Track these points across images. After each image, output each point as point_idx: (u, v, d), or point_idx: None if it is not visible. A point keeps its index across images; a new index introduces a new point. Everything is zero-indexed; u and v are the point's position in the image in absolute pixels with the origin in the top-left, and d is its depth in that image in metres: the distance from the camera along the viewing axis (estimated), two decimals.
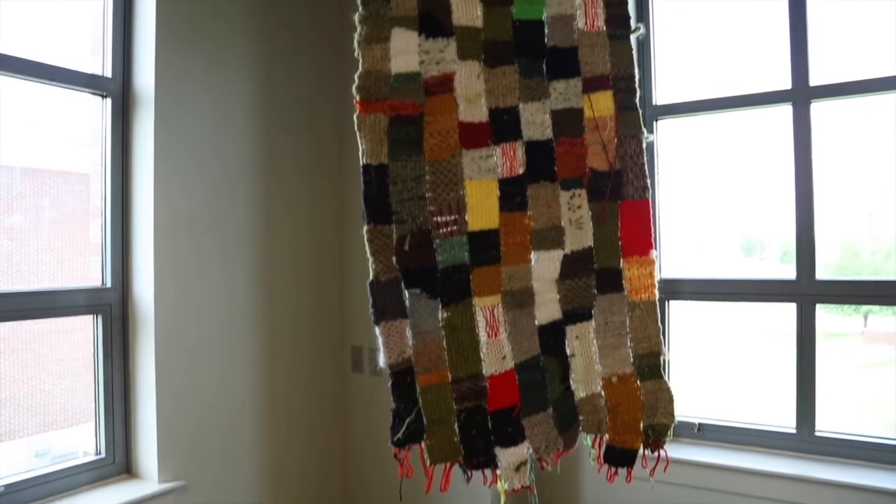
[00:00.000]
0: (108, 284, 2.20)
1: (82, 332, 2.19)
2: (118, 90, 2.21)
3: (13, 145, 2.08)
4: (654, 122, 2.56)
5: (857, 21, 2.35)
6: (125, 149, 2.22)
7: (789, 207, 2.32)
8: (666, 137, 2.59)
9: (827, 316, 2.40)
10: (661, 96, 2.58)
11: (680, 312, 2.57)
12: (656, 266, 1.72)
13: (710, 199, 2.66)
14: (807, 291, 2.29)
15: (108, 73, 2.20)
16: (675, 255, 2.63)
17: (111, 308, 2.19)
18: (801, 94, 2.31)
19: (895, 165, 2.23)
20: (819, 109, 2.29)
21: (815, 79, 2.29)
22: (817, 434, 2.27)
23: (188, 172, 2.27)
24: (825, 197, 2.31)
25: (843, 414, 2.38)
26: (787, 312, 2.35)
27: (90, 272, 2.24)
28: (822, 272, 2.30)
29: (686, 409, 2.52)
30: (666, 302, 2.50)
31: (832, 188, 2.34)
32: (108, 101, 2.20)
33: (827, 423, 2.29)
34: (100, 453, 2.16)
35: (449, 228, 1.60)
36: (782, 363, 2.38)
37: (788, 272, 2.37)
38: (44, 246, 2.22)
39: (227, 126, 2.42)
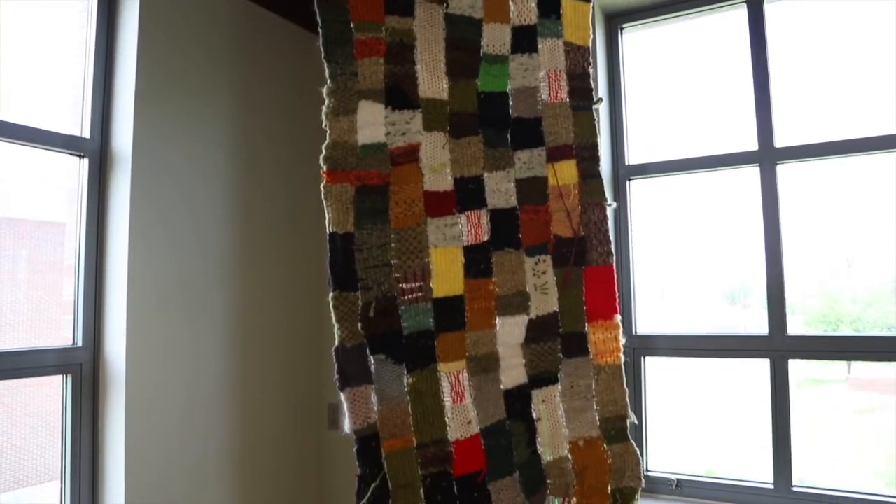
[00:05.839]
0: (80, 343, 2.19)
1: (56, 385, 2.16)
2: (96, 150, 2.24)
3: None
4: (627, 182, 2.61)
5: (822, 83, 2.42)
6: (101, 208, 2.24)
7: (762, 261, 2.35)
8: (641, 194, 2.63)
9: (810, 363, 2.40)
10: (633, 156, 2.63)
11: (657, 366, 2.57)
12: (621, 330, 1.74)
13: (689, 251, 2.69)
14: (778, 347, 2.32)
15: (87, 134, 2.24)
16: (652, 311, 2.64)
17: (81, 367, 2.17)
18: (767, 156, 2.37)
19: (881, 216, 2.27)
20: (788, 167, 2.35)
21: (781, 140, 2.35)
22: (794, 489, 2.27)
23: (163, 234, 2.28)
24: (804, 244, 2.33)
25: (830, 464, 2.38)
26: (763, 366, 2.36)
27: (62, 331, 2.23)
28: (801, 321, 2.32)
29: (664, 464, 2.51)
30: (641, 358, 2.51)
31: (810, 236, 2.36)
32: (86, 161, 2.23)
33: (809, 476, 2.30)
34: None
35: (414, 295, 1.62)
36: (762, 415, 2.38)
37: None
38: (21, 297, 2.21)
39: (204, 186, 2.45)
